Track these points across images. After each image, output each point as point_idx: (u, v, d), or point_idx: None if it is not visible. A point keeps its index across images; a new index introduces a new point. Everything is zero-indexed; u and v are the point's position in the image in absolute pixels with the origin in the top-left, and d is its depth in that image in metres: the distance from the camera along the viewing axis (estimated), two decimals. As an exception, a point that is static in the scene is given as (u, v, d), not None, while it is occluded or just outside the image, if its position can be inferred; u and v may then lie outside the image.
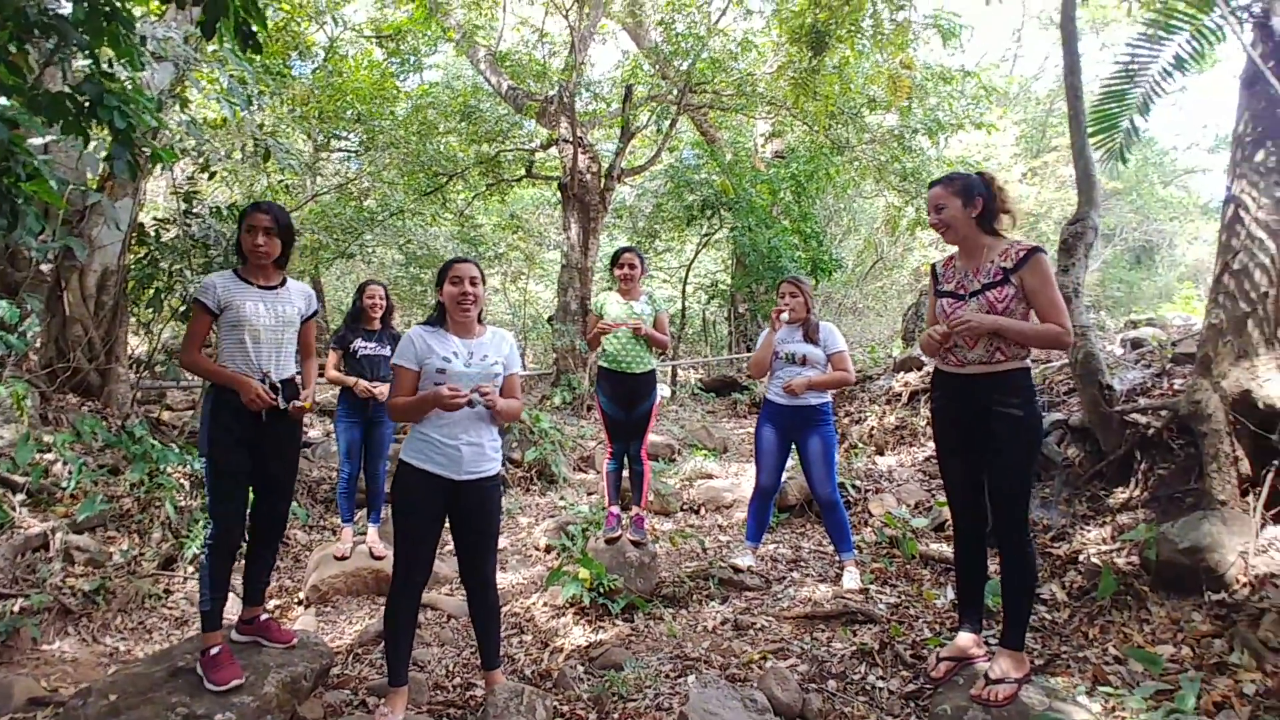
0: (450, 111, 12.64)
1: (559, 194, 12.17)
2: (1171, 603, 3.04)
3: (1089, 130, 4.72)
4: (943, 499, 4.95)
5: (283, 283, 2.93)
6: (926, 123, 11.00)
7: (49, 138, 4.35)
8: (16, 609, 3.23)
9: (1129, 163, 5.17)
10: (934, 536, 4.50)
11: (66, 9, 2.82)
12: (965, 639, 2.86)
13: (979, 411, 2.64)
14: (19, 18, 2.46)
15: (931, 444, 5.98)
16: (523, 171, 13.85)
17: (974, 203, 2.64)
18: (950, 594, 3.70)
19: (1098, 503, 3.83)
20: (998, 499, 2.65)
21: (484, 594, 2.76)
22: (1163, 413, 3.71)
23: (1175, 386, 3.98)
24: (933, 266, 2.91)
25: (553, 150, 12.52)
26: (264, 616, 2.99)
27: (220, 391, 2.77)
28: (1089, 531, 3.68)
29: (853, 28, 9.52)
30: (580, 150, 11.05)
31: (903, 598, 3.78)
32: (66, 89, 2.73)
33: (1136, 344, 5.21)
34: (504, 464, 6.75)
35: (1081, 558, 3.49)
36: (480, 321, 2.78)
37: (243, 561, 3.02)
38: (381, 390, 4.30)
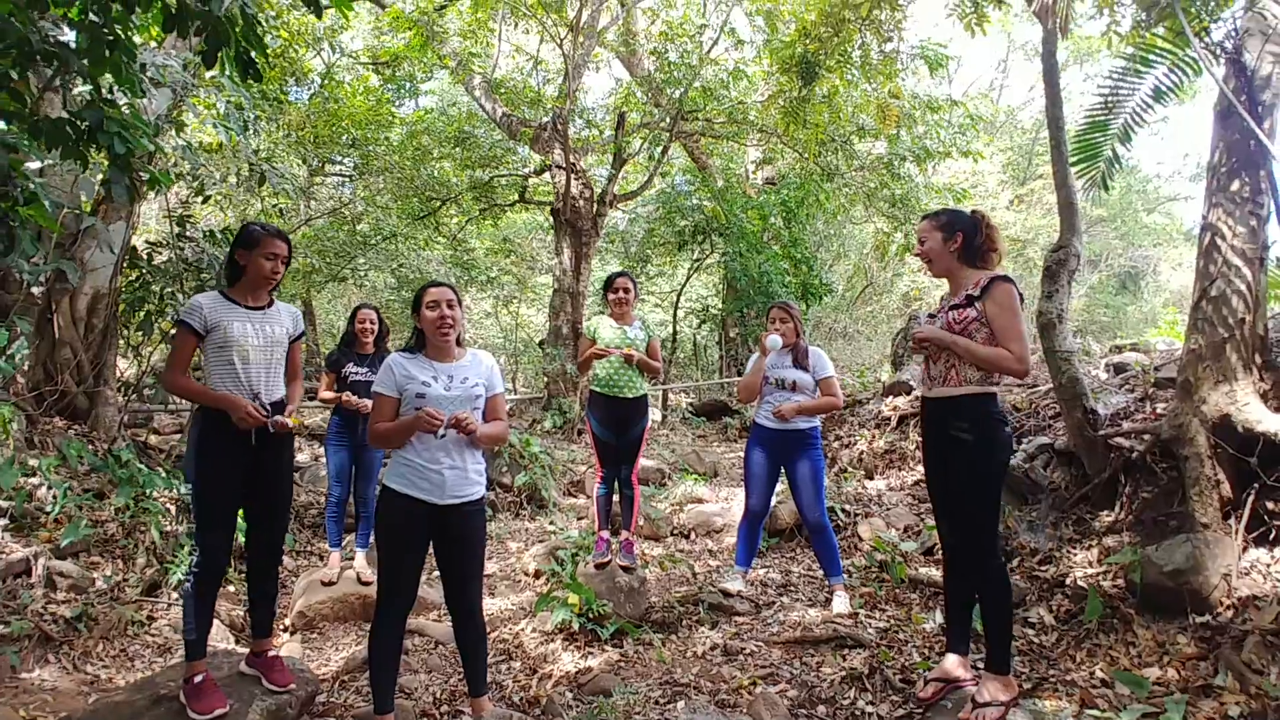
0: (445, 137, 12.76)
1: (551, 219, 12.27)
2: (1157, 625, 3.06)
3: (1072, 159, 4.82)
4: (931, 523, 4.96)
5: (270, 303, 2.91)
6: (914, 150, 11.19)
7: (45, 162, 4.40)
8: (-3, 635, 3.19)
9: (1112, 190, 5.29)
10: (923, 560, 4.51)
11: (68, 36, 2.87)
12: (952, 661, 2.88)
13: (939, 435, 2.76)
14: (23, 45, 2.50)
15: (920, 468, 6.03)
16: (516, 197, 13.97)
17: (954, 238, 2.76)
18: (939, 618, 3.70)
19: (1084, 526, 3.86)
20: (955, 524, 2.74)
21: (470, 620, 2.74)
22: (1146, 437, 3.75)
23: (1158, 411, 4.03)
24: (942, 299, 3.02)
25: (546, 175, 12.64)
26: (272, 653, 2.94)
27: (209, 415, 2.72)
28: (1075, 554, 3.70)
29: (842, 58, 9.70)
30: (573, 176, 11.16)
31: (892, 622, 3.78)
32: (66, 115, 2.77)
33: (1120, 369, 5.28)
34: (493, 488, 6.73)
35: (1068, 581, 3.51)
36: (460, 344, 2.78)
37: (243, 595, 2.98)
38: (366, 403, 4.29)
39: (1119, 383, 4.94)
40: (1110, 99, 4.56)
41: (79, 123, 2.75)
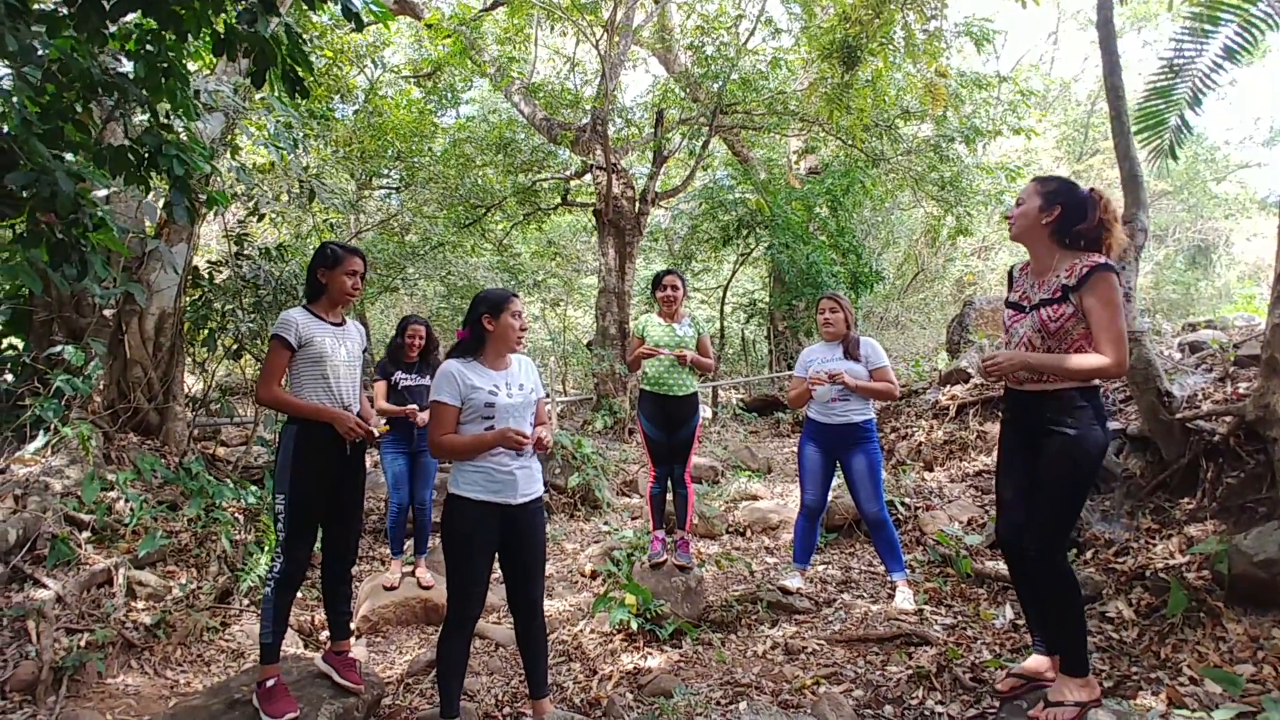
0: (486, 145, 12.94)
1: (594, 220, 12.31)
2: (1249, 619, 2.87)
3: (1135, 129, 4.59)
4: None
5: (344, 321, 3.02)
6: (963, 130, 10.85)
7: (110, 189, 4.59)
8: (83, 643, 3.34)
9: (1178, 161, 5.01)
10: (989, 554, 4.35)
11: (126, 68, 2.98)
12: (1038, 660, 2.74)
13: (1036, 430, 2.54)
14: (85, 78, 2.61)
15: (982, 458, 5.83)
16: (559, 200, 14.07)
17: (1051, 210, 2.49)
18: (1009, 613, 3.57)
19: (1162, 515, 3.66)
20: (1034, 522, 2.53)
21: (532, 621, 2.75)
22: (1228, 418, 3.54)
23: (1240, 390, 3.80)
24: (1010, 270, 2.81)
25: (587, 177, 12.70)
26: (351, 655, 3.03)
27: (304, 427, 2.80)
28: (1155, 545, 3.51)
29: (884, 40, 9.48)
30: (614, 176, 11.17)
31: (959, 618, 3.66)
32: (128, 142, 2.88)
33: (1195, 348, 5.00)
34: (548, 490, 6.78)
35: (1148, 573, 3.33)
36: None
37: (310, 601, 3.05)
38: (424, 416, 4.37)
39: (1194, 362, 4.68)
40: (1175, 62, 4.33)
41: (140, 149, 2.86)
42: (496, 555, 2.72)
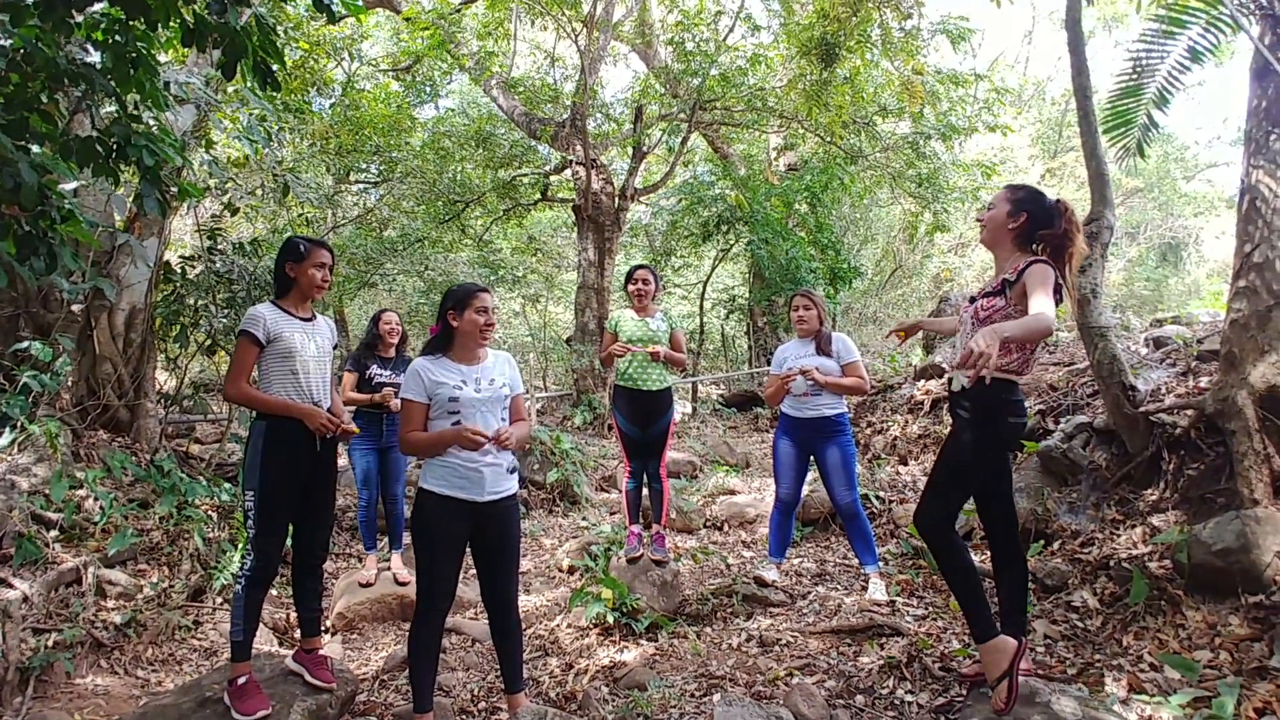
0: (466, 139, 12.84)
1: (574, 216, 12.29)
2: (1207, 606, 2.96)
3: (1104, 127, 4.68)
4: (969, 508, 4.87)
5: (313, 316, 2.99)
6: (939, 128, 10.96)
7: (79, 182, 4.51)
8: (50, 643, 3.30)
9: (1148, 159, 5.13)
10: (961, 546, 4.42)
11: (94, 58, 2.93)
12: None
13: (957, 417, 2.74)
14: (50, 68, 2.56)
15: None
16: (538, 195, 14.02)
17: (1018, 216, 2.60)
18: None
19: (1126, 506, 3.75)
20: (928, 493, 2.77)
21: (506, 616, 2.75)
22: (1189, 412, 3.63)
23: (1201, 385, 3.90)
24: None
25: (567, 173, 12.67)
26: (322, 651, 3.02)
27: (275, 422, 2.78)
28: (1119, 536, 3.60)
29: (861, 38, 9.56)
30: (594, 171, 11.16)
31: (930, 609, 3.72)
32: (95, 133, 2.84)
33: (1160, 343, 5.11)
34: (526, 486, 6.78)
35: (1112, 563, 3.41)
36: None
37: (284, 598, 3.03)
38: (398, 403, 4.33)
39: (1159, 357, 4.79)
40: (1142, 62, 4.42)
41: (108, 140, 2.81)
42: (469, 550, 2.73)
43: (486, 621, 2.91)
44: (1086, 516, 3.84)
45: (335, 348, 3.09)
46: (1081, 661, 2.94)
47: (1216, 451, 3.47)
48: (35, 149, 2.96)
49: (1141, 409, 3.76)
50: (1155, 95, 4.59)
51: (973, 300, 2.72)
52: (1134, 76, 4.45)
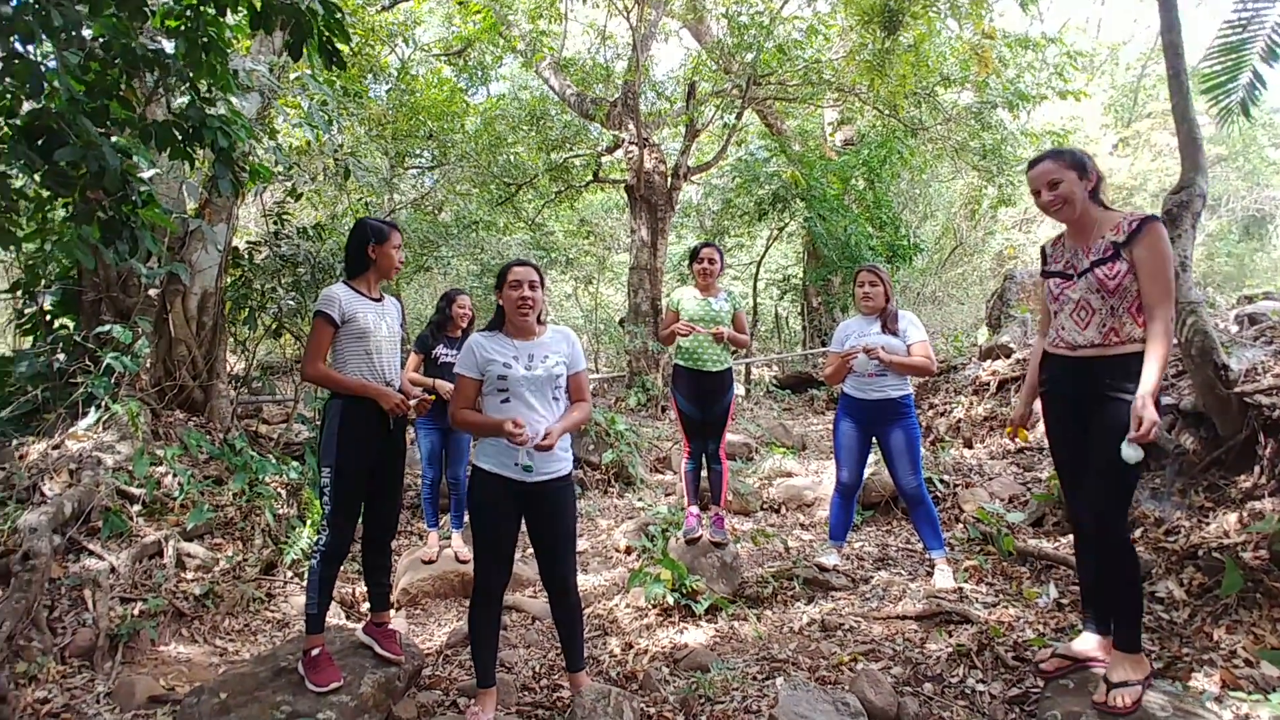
0: (519, 121, 12.87)
1: (626, 196, 12.22)
2: (1309, 601, 2.77)
3: (1202, 88, 4.38)
4: (1040, 491, 4.69)
5: (382, 297, 3.03)
6: (1007, 95, 10.47)
7: (152, 171, 4.67)
8: (136, 612, 3.46)
9: (1251, 119, 4.77)
10: (1031, 532, 4.27)
11: (167, 45, 3.02)
12: (1087, 640, 2.67)
13: (1091, 395, 2.46)
14: (128, 56, 2.64)
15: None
16: (590, 176, 13.98)
17: (1089, 175, 2.48)
18: (1053, 592, 3.49)
19: (1217, 493, 3.54)
20: (1094, 486, 2.46)
21: (565, 596, 2.75)
22: (1289, 393, 3.39)
23: (1303, 364, 3.64)
24: (1042, 248, 2.76)
25: (619, 153, 12.60)
26: (390, 626, 3.09)
27: (350, 402, 2.83)
28: (1208, 524, 3.40)
29: (927, 2, 9.16)
30: (646, 151, 11.05)
31: (1000, 597, 3.59)
32: (172, 117, 2.91)
33: (1254, 320, 4.80)
34: (581, 467, 6.81)
35: (1201, 552, 3.22)
36: (540, 322, 2.77)
37: (351, 574, 3.09)
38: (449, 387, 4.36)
39: (1253, 335, 4.49)
40: (1243, 16, 4.10)
41: (184, 123, 2.89)
42: (526, 528, 2.73)
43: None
44: (1172, 503, 3.64)
45: (401, 327, 3.12)
46: (1168, 655, 2.79)
47: (1320, 435, 3.23)
48: (116, 135, 3.07)
49: (1235, 389, 3.53)
50: (1261, 50, 4.24)
51: (1065, 276, 2.54)
52: (1237, 29, 4.12)
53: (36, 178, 2.51)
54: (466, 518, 4.85)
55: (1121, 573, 2.43)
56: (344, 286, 2.91)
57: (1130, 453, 2.28)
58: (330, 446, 2.81)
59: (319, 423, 2.94)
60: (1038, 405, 2.82)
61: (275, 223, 6.04)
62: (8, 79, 2.26)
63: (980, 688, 2.83)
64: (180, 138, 2.81)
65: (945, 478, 5.26)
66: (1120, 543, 2.42)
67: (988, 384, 6.55)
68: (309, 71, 5.85)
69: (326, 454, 2.82)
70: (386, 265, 2.94)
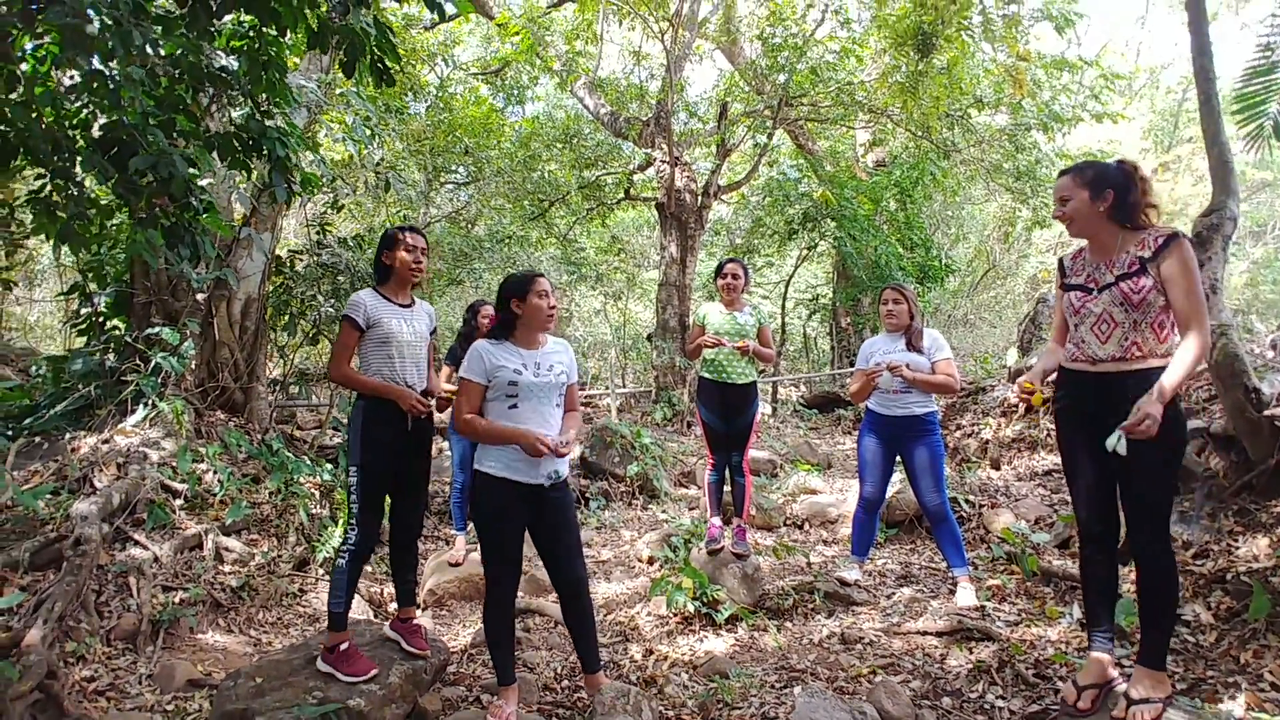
0: (552, 139, 13.13)
1: (657, 214, 12.37)
2: (1339, 627, 2.73)
3: (1232, 111, 4.38)
4: (1066, 513, 4.65)
5: (413, 302, 3.15)
6: (1042, 117, 10.41)
7: (206, 180, 4.91)
8: (177, 600, 3.60)
9: (1277, 148, 4.75)
10: (1057, 554, 4.23)
11: (230, 62, 3.21)
12: (1104, 660, 2.64)
13: (1112, 412, 2.42)
14: (194, 72, 2.82)
15: (1052, 457, 5.63)
16: (622, 194, 14.18)
17: (1103, 196, 2.46)
18: (1077, 613, 3.46)
19: (1247, 516, 3.49)
20: (1135, 507, 2.45)
21: (577, 598, 2.80)
22: (1323, 418, 3.35)
23: (1338, 389, 3.59)
24: (1060, 260, 2.76)
25: (650, 171, 12.77)
26: (416, 621, 3.18)
27: (372, 403, 2.94)
28: (1238, 548, 3.36)
29: (961, 25, 9.20)
30: (677, 169, 11.20)
31: (1023, 615, 3.58)
32: (234, 129, 3.10)
33: (1290, 345, 4.73)
34: (606, 479, 6.89)
35: (1229, 576, 3.19)
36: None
37: (378, 573, 3.18)
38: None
39: (1288, 360, 4.43)
40: (1273, 41, 4.10)
41: (244, 135, 3.07)
42: (533, 539, 2.79)
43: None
44: (1201, 527, 3.60)
45: (433, 332, 3.23)
46: (1193, 677, 2.77)
47: (1354, 461, 3.19)
48: (182, 144, 3.26)
49: (1267, 413, 3.49)
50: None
51: (1085, 289, 2.54)
52: (1267, 53, 4.13)
53: (104, 186, 2.69)
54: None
55: (1160, 590, 2.42)
56: (371, 292, 3.03)
57: (1112, 440, 2.30)
58: (355, 446, 2.92)
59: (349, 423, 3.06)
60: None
61: (318, 232, 6.25)
62: (87, 95, 2.44)
63: (1000, 704, 2.83)
64: (240, 148, 2.99)
65: (971, 498, 5.24)
66: (1164, 562, 2.41)
67: (1016, 406, 6.50)
68: (353, 88, 6.08)
69: (353, 452, 2.93)
70: (402, 268, 3.03)
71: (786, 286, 16.50)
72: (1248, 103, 4.50)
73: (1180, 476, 3.86)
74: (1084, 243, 2.65)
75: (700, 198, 11.63)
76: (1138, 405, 2.25)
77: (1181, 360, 2.32)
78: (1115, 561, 2.66)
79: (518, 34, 10.88)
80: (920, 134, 10.96)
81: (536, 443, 2.55)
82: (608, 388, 12.60)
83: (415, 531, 3.20)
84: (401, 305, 3.07)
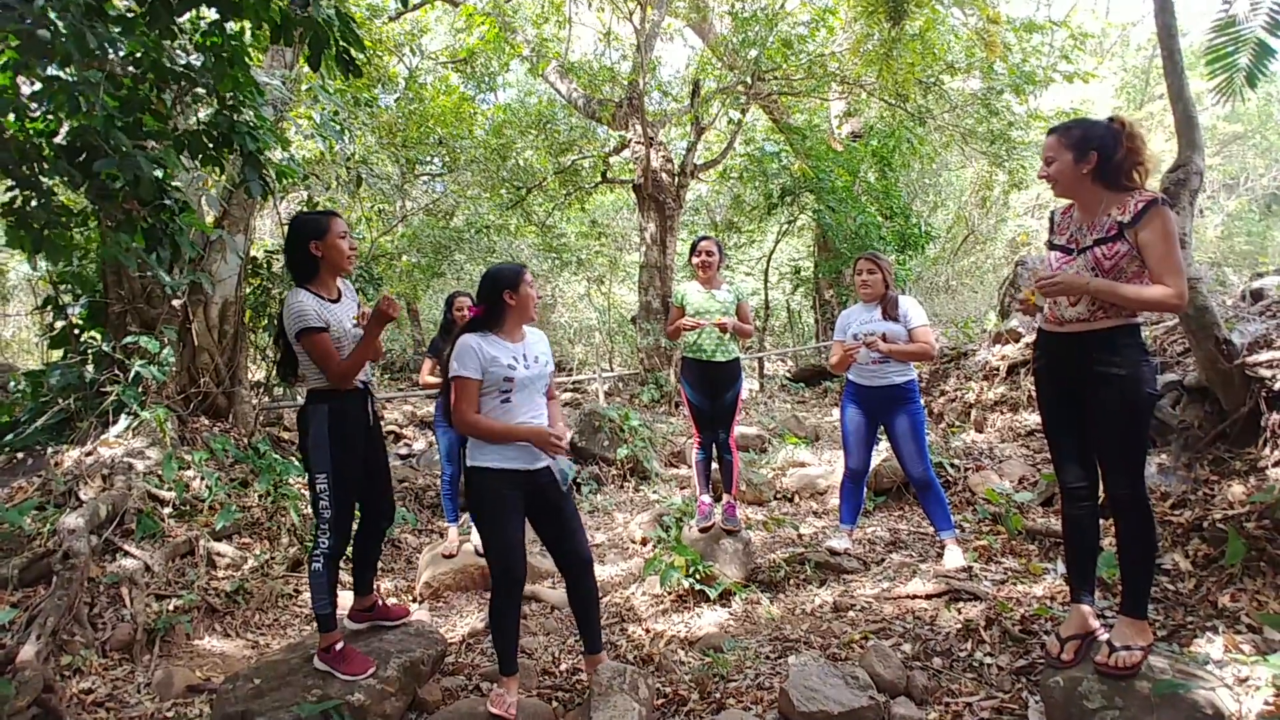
0: (526, 126, 13.01)
1: (635, 196, 12.32)
2: (1312, 567, 2.81)
3: (1204, 62, 4.41)
4: (1049, 472, 4.73)
5: (339, 295, 2.89)
6: (1013, 79, 10.39)
7: (177, 182, 4.85)
8: (171, 608, 3.60)
9: (1247, 101, 4.79)
10: (1041, 511, 4.31)
11: (193, 59, 3.17)
12: (1086, 612, 2.70)
13: (1081, 372, 2.49)
14: (158, 70, 2.78)
15: (1034, 417, 5.71)
16: (599, 177, 14.10)
17: (1087, 157, 2.44)
18: (1060, 567, 3.54)
19: (1221, 465, 3.57)
20: (1109, 464, 2.50)
21: (583, 577, 2.83)
22: (1292, 365, 3.42)
23: (1306, 336, 3.66)
24: (1051, 214, 2.74)
25: (626, 153, 12.70)
26: (378, 601, 3.17)
27: (335, 405, 2.78)
28: (1213, 496, 3.44)
29: (932, -10, 9.16)
30: (653, 149, 11.14)
31: (1008, 574, 3.65)
32: (202, 126, 3.06)
33: (1258, 295, 4.81)
34: (597, 463, 6.93)
35: (1206, 524, 3.26)
36: None
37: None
38: None
39: (1257, 310, 4.51)
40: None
41: (213, 131, 3.03)
42: (532, 521, 2.81)
43: (564, 589, 3.00)
44: (1177, 478, 3.67)
45: (359, 308, 3.04)
46: (1173, 624, 2.85)
47: (1323, 405, 3.26)
48: (151, 144, 3.21)
49: (1237, 363, 3.56)
50: (1266, 20, 4.26)
51: (1066, 250, 2.55)
52: (1225, 5, 4.15)
53: (76, 193, 2.66)
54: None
55: (1140, 540, 2.47)
56: (307, 293, 2.73)
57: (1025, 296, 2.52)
58: (322, 450, 2.75)
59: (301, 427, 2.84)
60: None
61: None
62: (49, 101, 2.41)
63: (988, 660, 2.90)
64: (210, 145, 2.96)
65: (955, 461, 5.31)
66: (1143, 512, 2.45)
67: (998, 369, 6.57)
68: (320, 83, 6.00)
69: (320, 460, 2.75)
70: (337, 258, 2.77)
71: (768, 261, 16.52)
72: (1217, 54, 4.53)
73: (1157, 429, 3.93)
74: None
75: (677, 177, 11.58)
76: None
77: (1143, 288, 2.35)
78: (1096, 515, 2.71)
79: (484, 23, 10.74)
80: (895, 102, 10.94)
81: (551, 438, 2.57)
82: (595, 372, 12.61)
83: (388, 519, 3.12)
84: (334, 301, 2.82)
